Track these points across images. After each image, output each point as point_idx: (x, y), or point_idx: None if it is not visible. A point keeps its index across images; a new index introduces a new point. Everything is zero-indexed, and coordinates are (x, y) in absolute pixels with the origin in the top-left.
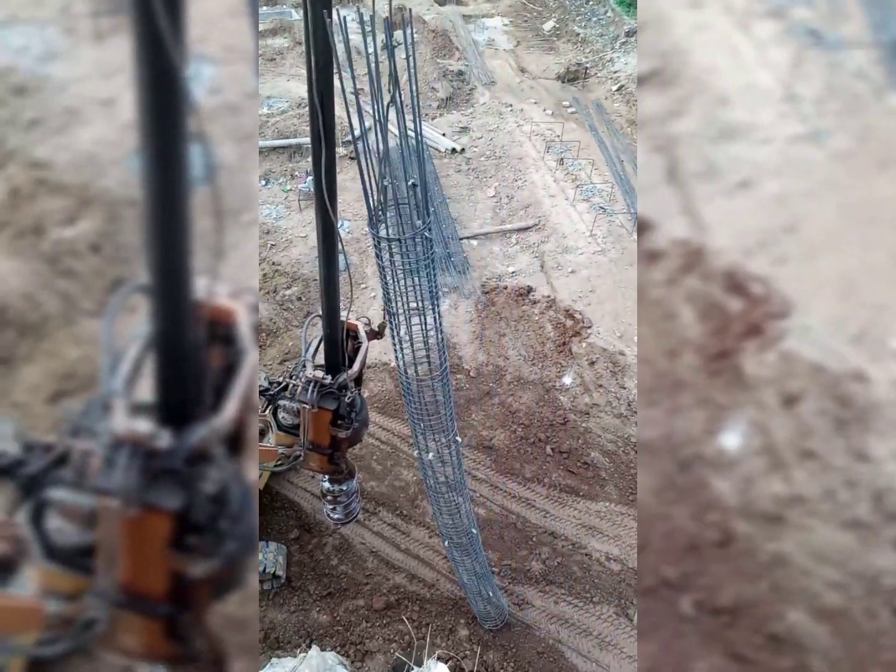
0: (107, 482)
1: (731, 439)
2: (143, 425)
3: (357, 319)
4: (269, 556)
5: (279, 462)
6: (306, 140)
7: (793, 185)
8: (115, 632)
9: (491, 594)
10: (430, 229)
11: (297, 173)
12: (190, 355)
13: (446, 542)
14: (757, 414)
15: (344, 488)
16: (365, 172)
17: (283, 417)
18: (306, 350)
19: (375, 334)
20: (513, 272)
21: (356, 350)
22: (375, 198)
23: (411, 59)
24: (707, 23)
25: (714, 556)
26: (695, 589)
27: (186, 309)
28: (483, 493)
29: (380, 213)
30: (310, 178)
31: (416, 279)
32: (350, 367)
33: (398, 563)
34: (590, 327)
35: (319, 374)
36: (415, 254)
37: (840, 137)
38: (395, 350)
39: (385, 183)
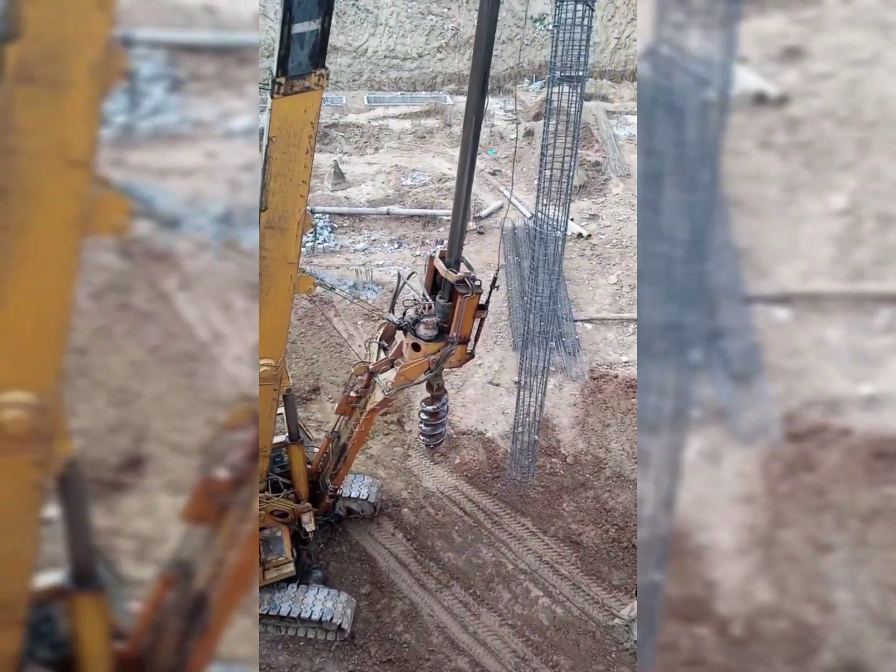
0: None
1: None
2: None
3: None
4: (339, 607)
5: (429, 368)
6: (441, 212)
7: None
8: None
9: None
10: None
11: (427, 241)
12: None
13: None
14: None
15: (442, 402)
16: None
17: (423, 333)
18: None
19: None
20: (626, 361)
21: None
22: None
23: None
24: None
25: None
26: None
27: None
28: (563, 591)
29: None
30: (438, 245)
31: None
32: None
33: (463, 645)
34: None
35: (465, 269)
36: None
37: None
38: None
39: None
